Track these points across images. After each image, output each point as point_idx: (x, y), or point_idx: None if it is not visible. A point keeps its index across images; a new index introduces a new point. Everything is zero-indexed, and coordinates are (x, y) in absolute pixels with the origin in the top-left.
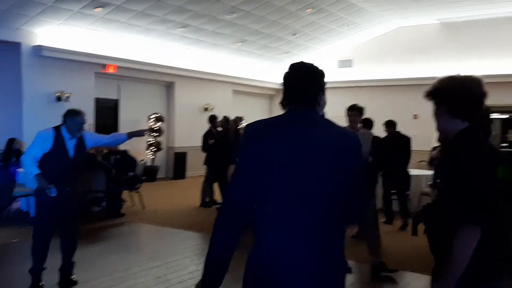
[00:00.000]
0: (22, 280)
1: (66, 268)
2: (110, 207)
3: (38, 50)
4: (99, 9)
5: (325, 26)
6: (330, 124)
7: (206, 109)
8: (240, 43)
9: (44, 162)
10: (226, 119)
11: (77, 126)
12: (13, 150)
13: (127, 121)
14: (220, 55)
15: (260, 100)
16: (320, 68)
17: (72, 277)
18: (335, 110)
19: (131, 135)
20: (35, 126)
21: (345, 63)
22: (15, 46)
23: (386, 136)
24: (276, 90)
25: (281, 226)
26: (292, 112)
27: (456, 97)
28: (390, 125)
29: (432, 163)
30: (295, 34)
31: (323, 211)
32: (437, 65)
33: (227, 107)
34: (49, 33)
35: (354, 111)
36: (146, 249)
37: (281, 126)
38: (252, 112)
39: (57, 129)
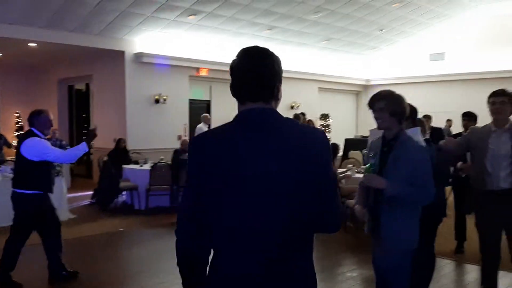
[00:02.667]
0: (132, 263)
1: None
2: None
3: (139, 57)
4: (193, 17)
5: (414, 19)
6: (294, 124)
7: (292, 107)
8: (326, 41)
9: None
10: (296, 116)
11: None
12: (120, 148)
13: (218, 120)
14: (306, 54)
15: (346, 97)
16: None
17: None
18: (428, 106)
19: (89, 141)
20: (137, 126)
21: (437, 56)
22: (119, 54)
23: None
24: (363, 86)
25: (239, 247)
26: (248, 115)
27: None
28: None
29: None
30: (382, 30)
31: (285, 229)
32: None
33: (313, 105)
34: (148, 41)
35: (503, 96)
36: None
37: (233, 134)
38: (338, 108)
39: (36, 134)
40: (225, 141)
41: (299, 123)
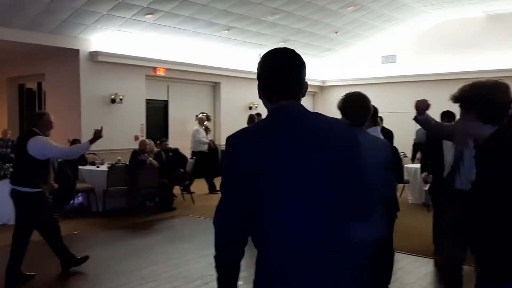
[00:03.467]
0: (91, 265)
1: None
2: (162, 202)
3: (94, 55)
4: (150, 16)
5: (367, 23)
6: (323, 117)
7: (250, 108)
8: (283, 43)
9: (44, 167)
10: (252, 117)
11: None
12: None
13: (176, 120)
14: None
15: (304, 98)
16: None
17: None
18: (380, 107)
19: (92, 141)
20: (93, 126)
21: (389, 59)
22: (74, 53)
23: None
24: (319, 87)
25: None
26: (287, 112)
27: (486, 104)
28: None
29: None
30: (337, 32)
31: (338, 218)
32: (483, 59)
33: None
34: (103, 39)
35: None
36: (197, 239)
37: (277, 132)
38: None
39: (38, 133)
40: (272, 140)
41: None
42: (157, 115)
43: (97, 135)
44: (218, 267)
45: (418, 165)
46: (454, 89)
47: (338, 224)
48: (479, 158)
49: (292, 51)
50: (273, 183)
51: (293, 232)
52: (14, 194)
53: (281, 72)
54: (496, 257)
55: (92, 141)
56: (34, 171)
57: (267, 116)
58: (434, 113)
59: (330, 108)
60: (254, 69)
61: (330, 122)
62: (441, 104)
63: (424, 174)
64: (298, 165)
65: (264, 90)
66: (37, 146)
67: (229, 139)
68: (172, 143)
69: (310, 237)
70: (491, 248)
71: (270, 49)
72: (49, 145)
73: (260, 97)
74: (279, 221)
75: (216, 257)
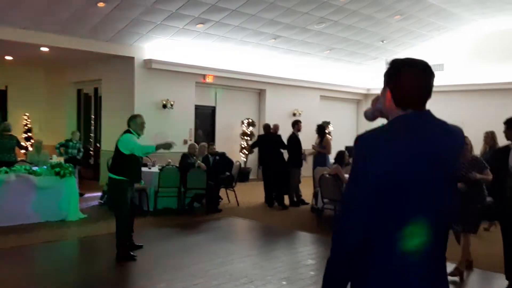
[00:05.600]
0: (144, 261)
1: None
2: (209, 204)
3: (148, 63)
4: (201, 25)
5: (414, 31)
6: (444, 123)
7: (294, 114)
8: (329, 51)
9: (132, 159)
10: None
11: (139, 126)
12: None
13: (222, 126)
14: (309, 63)
15: (347, 105)
16: None
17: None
18: None
19: (160, 147)
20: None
21: (436, 67)
22: (129, 60)
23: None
24: (364, 95)
25: (412, 247)
26: (419, 117)
27: None
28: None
29: None
30: (383, 41)
31: (445, 224)
32: None
33: (314, 112)
34: (157, 47)
35: None
36: (242, 240)
37: (411, 134)
38: (339, 116)
39: (129, 131)
40: (408, 143)
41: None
42: (205, 120)
43: (166, 146)
44: (333, 272)
45: None
46: (504, 99)
47: (446, 227)
48: None
49: (428, 63)
50: (406, 184)
51: (417, 232)
52: (108, 180)
53: (426, 86)
54: None
55: (160, 147)
56: (120, 162)
57: (399, 121)
58: (483, 123)
59: None
60: (299, 76)
61: (454, 130)
62: (489, 114)
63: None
64: (428, 169)
65: (401, 99)
66: (123, 142)
67: (364, 138)
68: (218, 147)
69: (430, 239)
70: None
71: (405, 58)
72: (132, 141)
73: (383, 103)
74: (407, 220)
75: (332, 262)
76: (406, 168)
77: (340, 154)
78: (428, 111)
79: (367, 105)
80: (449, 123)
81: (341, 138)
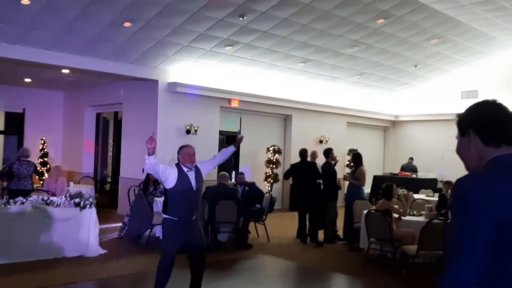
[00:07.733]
0: None
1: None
2: (238, 239)
3: (172, 86)
4: (229, 48)
5: (449, 56)
6: None
7: (321, 141)
8: (359, 76)
9: (172, 196)
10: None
11: (187, 157)
12: (151, 180)
13: (246, 152)
14: (337, 88)
15: (374, 132)
16: None
17: None
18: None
19: (237, 145)
20: (168, 157)
21: (470, 94)
22: (153, 83)
23: None
24: (391, 122)
25: None
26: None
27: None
28: None
29: None
30: (416, 66)
31: None
32: None
33: (341, 139)
34: (181, 70)
35: None
36: (275, 284)
37: None
38: (366, 144)
39: (177, 165)
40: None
41: None
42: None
43: (240, 140)
44: None
45: None
46: None
47: None
48: None
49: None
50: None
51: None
52: None
53: (509, 120)
54: None
55: (236, 145)
56: (166, 198)
57: (497, 162)
58: None
59: (401, 144)
60: (326, 102)
61: None
62: None
63: None
64: None
65: (488, 134)
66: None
67: (469, 182)
68: (250, 177)
69: None
70: None
71: (481, 101)
72: (157, 169)
73: (467, 144)
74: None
75: None
76: None
77: (388, 188)
78: None
79: (394, 132)
80: None
81: (368, 167)
